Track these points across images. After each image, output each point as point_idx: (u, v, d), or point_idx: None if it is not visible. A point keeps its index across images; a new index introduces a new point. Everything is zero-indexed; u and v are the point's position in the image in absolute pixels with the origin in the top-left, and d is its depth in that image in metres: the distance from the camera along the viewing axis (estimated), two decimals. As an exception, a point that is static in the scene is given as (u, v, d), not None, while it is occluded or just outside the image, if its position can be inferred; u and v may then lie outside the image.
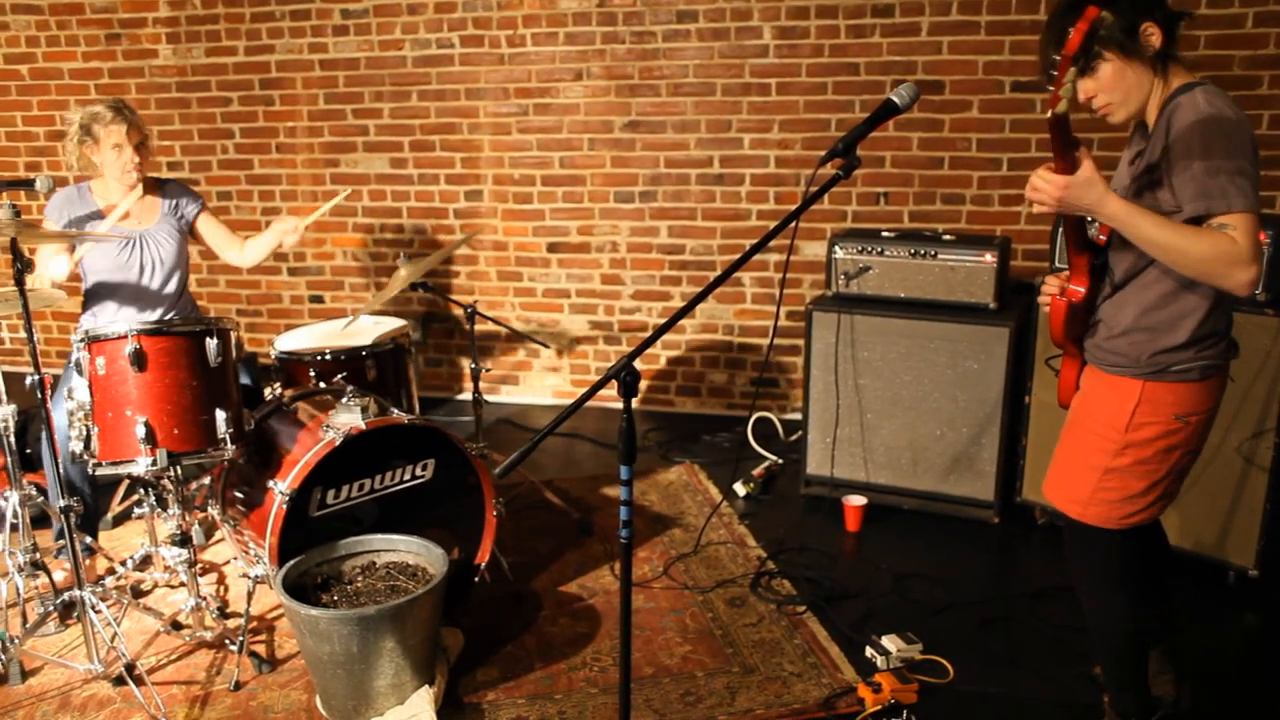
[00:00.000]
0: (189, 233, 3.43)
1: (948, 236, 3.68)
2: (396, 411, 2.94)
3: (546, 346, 4.94)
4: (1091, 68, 1.93)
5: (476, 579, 3.02)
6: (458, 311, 4.98)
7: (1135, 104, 1.98)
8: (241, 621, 2.78)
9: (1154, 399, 1.99)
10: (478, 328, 3.61)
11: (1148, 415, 2.00)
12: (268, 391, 3.33)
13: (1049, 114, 1.80)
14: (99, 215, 3.23)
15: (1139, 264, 1.99)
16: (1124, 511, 2.07)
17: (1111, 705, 2.32)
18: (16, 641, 2.75)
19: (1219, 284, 1.83)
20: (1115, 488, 2.05)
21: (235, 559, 3.30)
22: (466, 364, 4.95)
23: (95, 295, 3.30)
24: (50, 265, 3.16)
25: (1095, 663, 2.54)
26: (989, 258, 3.51)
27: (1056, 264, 3.44)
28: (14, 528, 2.93)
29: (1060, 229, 3.40)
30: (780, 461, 4.21)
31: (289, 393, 3.19)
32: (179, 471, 2.78)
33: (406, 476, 2.90)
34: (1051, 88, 1.79)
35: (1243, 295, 1.83)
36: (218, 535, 3.53)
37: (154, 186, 3.38)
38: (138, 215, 3.30)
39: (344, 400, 2.86)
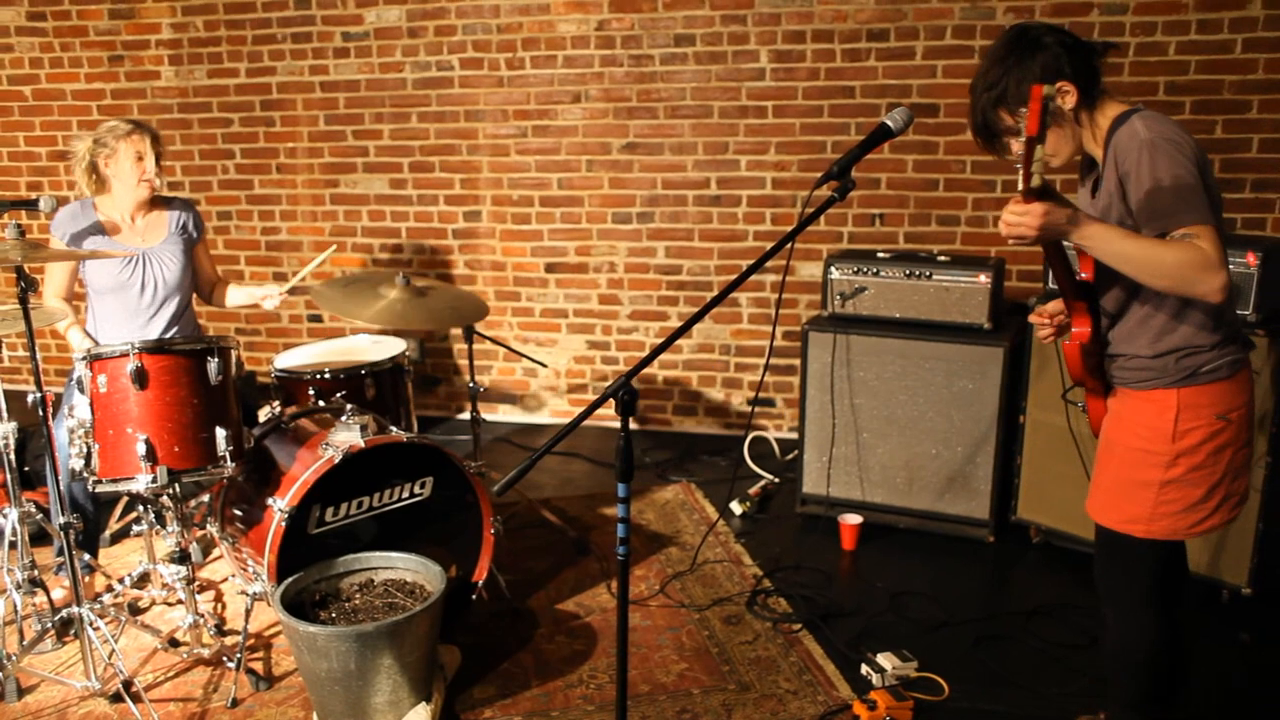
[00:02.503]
0: (192, 252, 3.45)
1: (943, 258, 3.71)
2: (395, 430, 2.96)
3: (544, 366, 4.96)
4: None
5: (474, 597, 3.03)
6: (455, 330, 5.01)
7: (1066, 154, 2.05)
8: (239, 639, 2.79)
9: (1192, 404, 2.01)
10: (475, 347, 3.63)
11: (1190, 421, 2.01)
12: (263, 413, 3.34)
13: (1020, 189, 1.84)
14: (100, 229, 3.24)
15: (1132, 294, 2.02)
16: (1191, 520, 2.06)
17: None
18: (13, 658, 2.75)
19: (1192, 291, 1.84)
20: (1177, 499, 2.04)
21: (233, 576, 3.31)
22: (464, 383, 4.98)
23: (95, 312, 3.31)
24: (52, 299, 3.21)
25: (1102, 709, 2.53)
26: (983, 278, 3.54)
27: (1050, 285, 3.47)
28: (12, 545, 2.94)
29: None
30: (776, 480, 4.23)
31: (288, 411, 3.20)
32: (179, 489, 2.79)
33: (405, 495, 2.91)
34: (1019, 167, 1.82)
35: (1216, 301, 1.85)
36: (216, 552, 3.54)
37: (161, 204, 3.40)
38: (143, 233, 3.33)
39: (343, 418, 2.88)
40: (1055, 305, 2.26)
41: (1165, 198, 1.84)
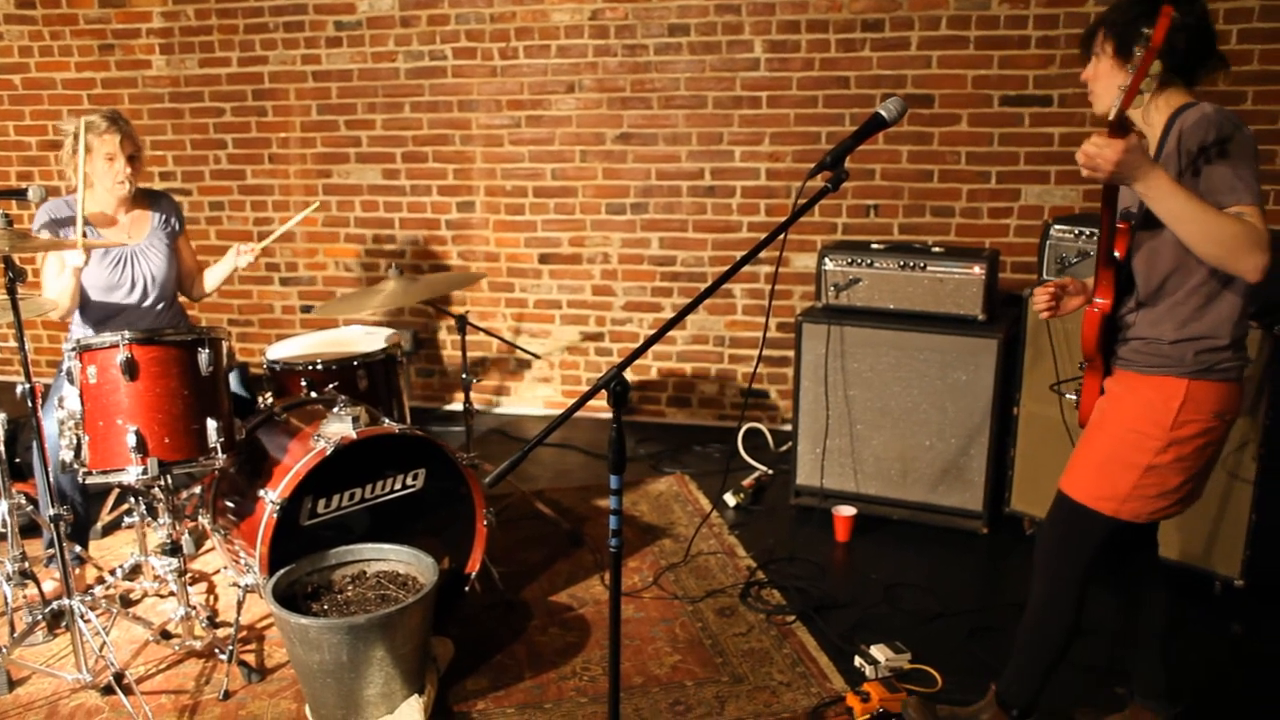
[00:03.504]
0: (175, 246, 3.43)
1: (937, 249, 3.70)
2: (388, 421, 2.95)
3: (537, 357, 4.95)
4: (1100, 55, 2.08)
5: (467, 589, 3.02)
6: (449, 321, 5.00)
7: (1105, 103, 2.05)
8: (231, 631, 2.78)
9: (1198, 398, 2.05)
10: (469, 338, 3.61)
11: (1191, 413, 2.05)
12: (262, 401, 3.33)
13: (1112, 111, 1.86)
14: (71, 221, 3.20)
15: (1166, 281, 2.05)
16: (1157, 506, 2.13)
17: (999, 695, 2.39)
18: (4, 651, 2.75)
19: (1235, 265, 1.87)
20: (1154, 484, 2.10)
21: (225, 568, 3.29)
22: (458, 374, 4.97)
23: (87, 310, 3.28)
24: (53, 285, 3.16)
25: (1122, 680, 2.56)
26: (977, 270, 3.53)
27: (1044, 276, 3.46)
28: (2, 537, 2.92)
29: (1048, 240, 3.45)
30: (770, 472, 4.22)
31: (279, 403, 3.19)
32: (170, 480, 2.77)
33: (397, 486, 2.90)
34: (1132, 70, 1.83)
35: (1253, 280, 1.89)
36: (208, 544, 3.53)
37: (144, 199, 3.38)
38: (128, 229, 3.30)
39: (335, 410, 2.87)
40: (1061, 281, 2.31)
41: (1226, 175, 1.89)
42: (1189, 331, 2.04)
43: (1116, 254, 2.12)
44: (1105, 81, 2.07)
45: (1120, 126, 1.87)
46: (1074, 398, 2.34)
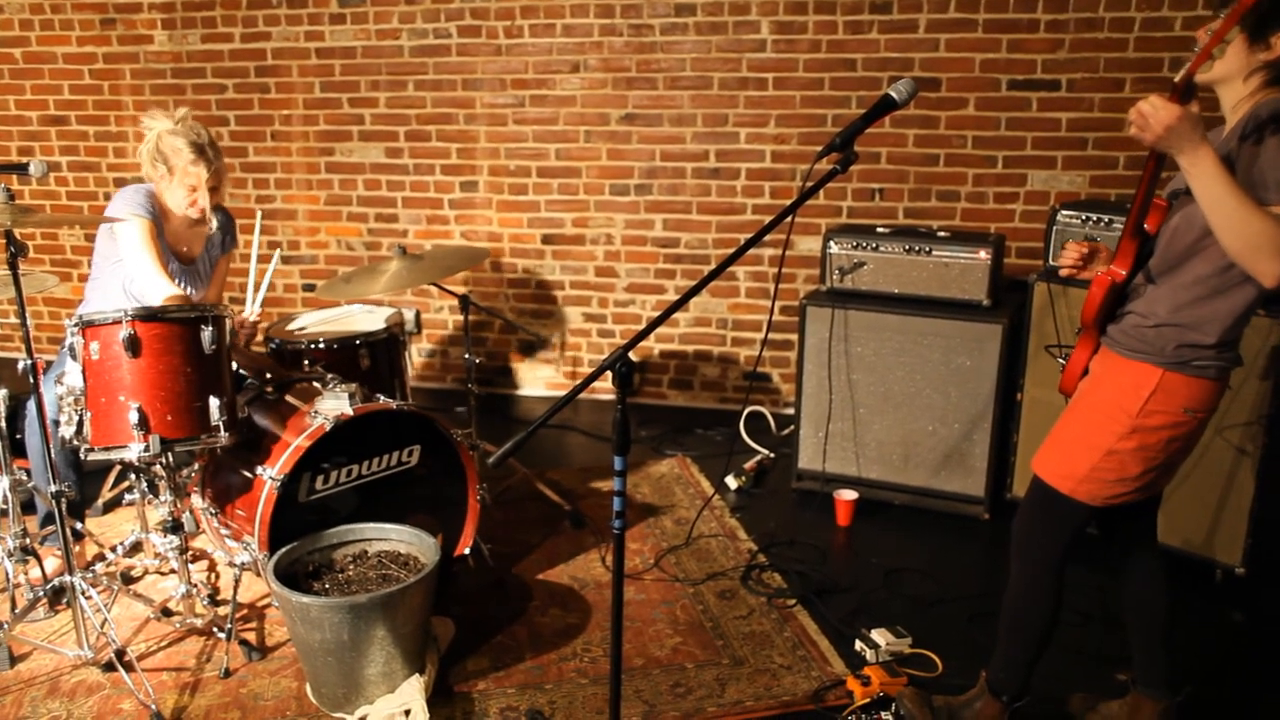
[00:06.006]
0: (218, 261, 3.37)
1: (942, 233, 3.69)
2: (383, 398, 2.95)
3: (540, 338, 4.94)
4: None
5: (455, 569, 3.03)
6: (451, 301, 4.98)
7: (1222, 75, 1.96)
8: (229, 609, 2.79)
9: (1169, 389, 2.04)
10: (471, 318, 3.60)
11: (1160, 404, 2.05)
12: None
13: (1177, 78, 1.83)
14: (176, 256, 3.14)
15: (1178, 261, 2.03)
16: (1113, 491, 2.13)
17: (989, 682, 2.40)
18: (5, 626, 2.75)
19: (1253, 263, 1.83)
20: (1113, 468, 2.11)
21: (213, 549, 3.28)
22: (460, 355, 4.96)
23: (104, 287, 3.20)
24: (154, 285, 3.03)
25: (1124, 668, 2.56)
26: (983, 255, 3.52)
27: (1050, 261, 3.45)
28: (3, 513, 2.92)
29: (1055, 226, 3.43)
30: (772, 455, 4.22)
31: (271, 381, 3.17)
32: (171, 458, 2.77)
33: (393, 463, 2.90)
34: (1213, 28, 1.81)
35: (1268, 285, 1.85)
36: (209, 522, 3.53)
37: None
38: (189, 240, 3.23)
39: (329, 387, 2.87)
40: (1095, 245, 2.28)
41: (1276, 172, 1.84)
42: (1178, 318, 2.02)
43: (1147, 227, 2.09)
44: (1227, 61, 1.94)
45: (1185, 92, 1.83)
46: (1063, 363, 2.33)
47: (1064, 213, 3.42)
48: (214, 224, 3.26)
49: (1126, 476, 2.11)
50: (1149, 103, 1.85)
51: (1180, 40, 3.96)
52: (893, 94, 1.94)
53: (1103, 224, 3.33)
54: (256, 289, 3.23)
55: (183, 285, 3.17)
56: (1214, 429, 3.02)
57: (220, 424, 2.71)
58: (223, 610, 2.93)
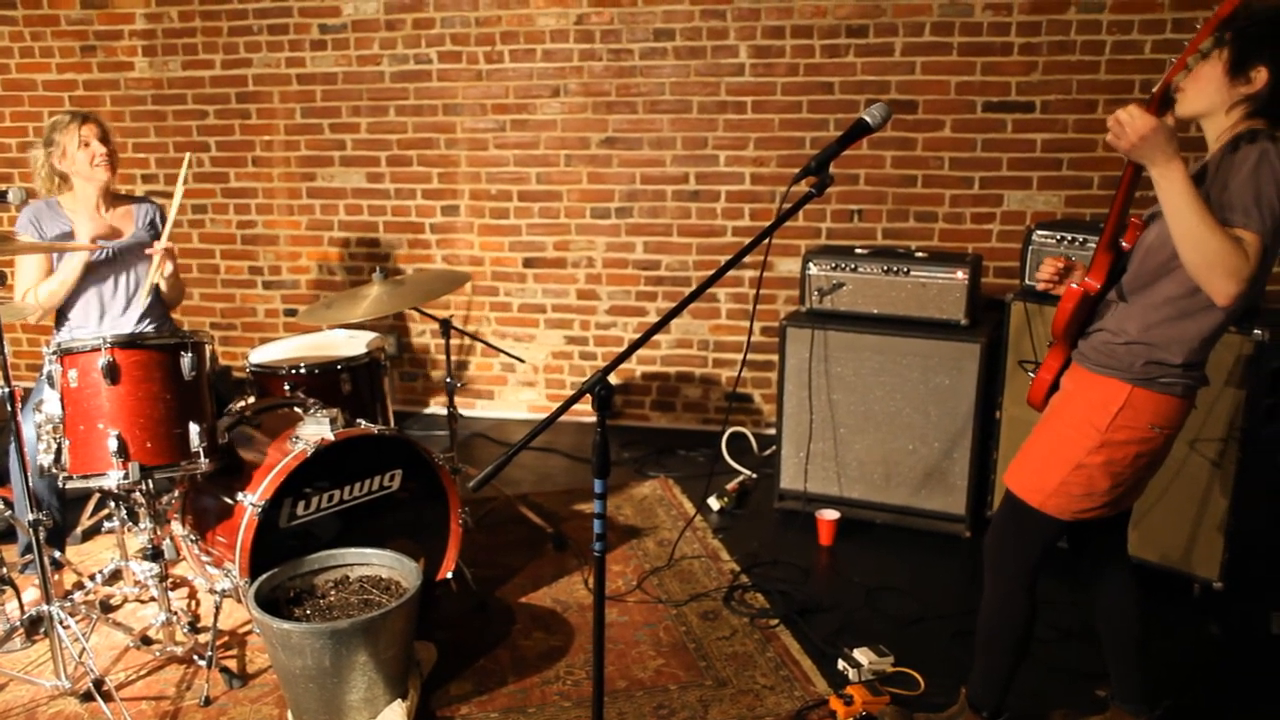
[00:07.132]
0: None
1: (920, 254, 3.72)
2: (364, 422, 2.95)
3: (521, 361, 4.94)
4: (1204, 54, 2.01)
5: (438, 593, 3.02)
6: (433, 325, 4.98)
7: (1194, 103, 2.01)
8: (209, 636, 2.77)
9: (1137, 405, 2.07)
10: (453, 342, 3.61)
11: (1128, 420, 2.08)
12: (236, 407, 3.31)
13: (1154, 90, 1.89)
14: (70, 235, 3.19)
15: (1150, 280, 2.06)
16: (1081, 506, 2.16)
17: (969, 698, 2.42)
18: (-18, 657, 2.72)
19: (1208, 281, 1.87)
20: (1081, 483, 2.13)
21: (194, 577, 3.26)
22: (441, 378, 4.95)
23: (71, 311, 3.26)
24: (41, 286, 3.14)
25: (1102, 683, 2.57)
26: (960, 275, 3.55)
27: (1027, 281, 3.49)
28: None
29: (1030, 245, 3.47)
30: (754, 476, 4.23)
31: (249, 406, 3.17)
32: (151, 485, 2.76)
33: (374, 487, 2.90)
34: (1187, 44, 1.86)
35: (1220, 304, 1.90)
36: (189, 549, 3.50)
37: (127, 200, 3.37)
38: (113, 229, 3.28)
39: (311, 412, 2.86)
40: (1072, 261, 2.31)
41: (1246, 197, 1.87)
42: (1148, 337, 2.05)
43: (1124, 243, 2.13)
44: (1203, 84, 1.99)
45: (1161, 103, 1.87)
46: (1034, 376, 2.36)
47: (1039, 232, 3.46)
48: (134, 206, 3.37)
49: (1095, 491, 2.13)
50: (1126, 111, 1.89)
51: (1151, 62, 4.03)
52: (866, 118, 1.97)
53: (1077, 243, 3.37)
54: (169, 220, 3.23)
55: (113, 270, 3.26)
56: (1188, 444, 3.05)
57: (200, 450, 2.70)
58: (203, 638, 2.91)
